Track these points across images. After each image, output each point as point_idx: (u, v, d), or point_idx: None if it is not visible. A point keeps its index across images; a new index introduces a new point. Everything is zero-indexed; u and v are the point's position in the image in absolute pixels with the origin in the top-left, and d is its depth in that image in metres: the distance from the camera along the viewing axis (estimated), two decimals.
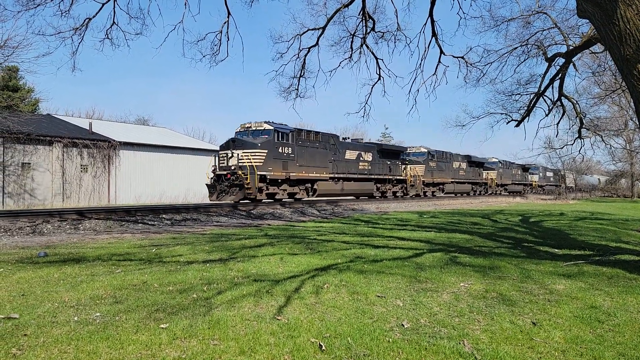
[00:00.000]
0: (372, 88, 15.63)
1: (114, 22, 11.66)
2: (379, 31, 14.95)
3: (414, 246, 10.26)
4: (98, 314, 4.79)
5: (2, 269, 7.27)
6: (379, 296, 5.71)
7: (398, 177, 35.08)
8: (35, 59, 62.69)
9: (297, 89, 15.65)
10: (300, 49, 14.89)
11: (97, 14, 11.32)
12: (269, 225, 16.16)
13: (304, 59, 15.09)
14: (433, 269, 7.52)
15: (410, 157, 38.56)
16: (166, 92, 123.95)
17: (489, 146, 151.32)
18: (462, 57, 15.08)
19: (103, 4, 11.27)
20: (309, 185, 26.51)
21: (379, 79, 15.61)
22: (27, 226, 13.16)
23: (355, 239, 11.68)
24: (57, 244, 10.63)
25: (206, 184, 23.80)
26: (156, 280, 6.46)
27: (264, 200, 24.50)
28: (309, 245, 10.34)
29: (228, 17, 12.57)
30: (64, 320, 4.57)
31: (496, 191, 52.03)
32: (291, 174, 24.51)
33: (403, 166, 35.88)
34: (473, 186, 47.92)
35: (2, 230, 12.52)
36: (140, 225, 15.45)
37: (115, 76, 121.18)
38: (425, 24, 13.86)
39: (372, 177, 32.04)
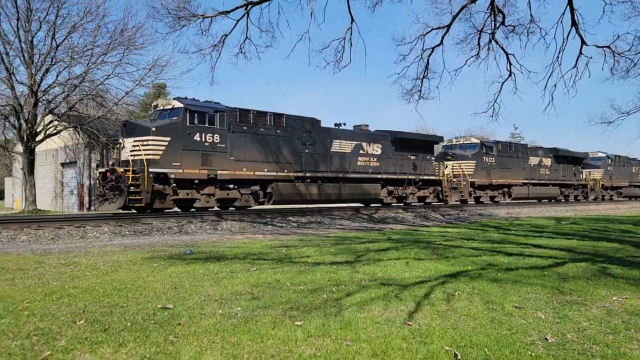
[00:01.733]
0: (501, 86, 14.75)
1: (246, 37, 12.53)
2: (510, 25, 14.09)
3: (554, 255, 9.45)
4: (239, 309, 5.14)
5: (156, 264, 8.16)
6: (517, 307, 5.35)
7: (426, 177, 25.68)
8: (180, 75, 69.57)
9: (420, 91, 15.34)
10: (424, 49, 14.58)
11: (232, 30, 12.27)
12: (392, 229, 16.06)
13: (428, 60, 14.76)
14: (578, 280, 6.85)
15: (455, 150, 29.48)
16: (290, 98, 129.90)
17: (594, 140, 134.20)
18: (608, 47, 13.59)
19: (237, 21, 12.18)
20: (256, 187, 18.76)
21: (510, 75, 14.69)
22: (175, 226, 14.64)
23: (484, 245, 11.11)
24: (199, 243, 11.67)
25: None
26: (288, 280, 6.76)
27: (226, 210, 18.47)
28: (435, 250, 10.07)
29: (351, 23, 12.79)
30: (210, 312, 4.99)
31: (603, 195, 40.93)
32: (218, 171, 17.19)
33: (437, 163, 27.02)
34: (563, 189, 36.90)
35: (155, 229, 14.08)
36: (270, 227, 16.34)
37: (245, 87, 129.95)
38: (563, 13, 12.76)
39: (380, 177, 23.36)
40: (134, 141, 16.02)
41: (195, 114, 16.86)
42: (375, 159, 23.39)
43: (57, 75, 25.00)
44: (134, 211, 16.82)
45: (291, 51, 20.73)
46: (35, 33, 24.09)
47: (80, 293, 5.96)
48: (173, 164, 16.18)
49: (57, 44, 24.31)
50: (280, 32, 32.85)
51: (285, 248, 10.46)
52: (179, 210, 18.22)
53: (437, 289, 6.23)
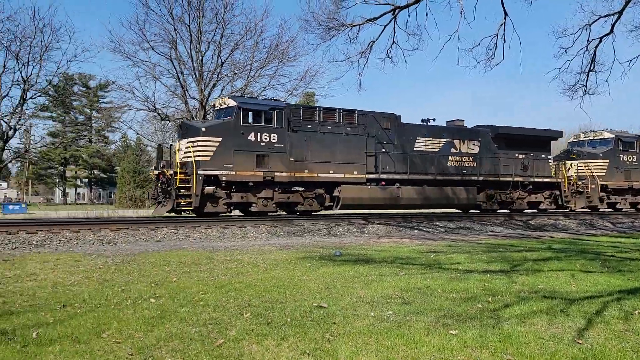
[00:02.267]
0: None
1: (393, 42, 12.59)
2: None
3: None
4: (390, 312, 5.16)
5: (309, 264, 8.59)
6: None
7: (539, 179, 21.77)
8: (328, 84, 72.68)
9: (585, 85, 13.84)
10: (590, 40, 13.15)
11: (379, 36, 12.44)
12: (551, 237, 14.70)
13: (594, 51, 13.27)
14: None
15: (582, 148, 24.80)
16: (438, 98, 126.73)
17: None
18: None
19: (384, 26, 12.32)
20: (321, 190, 17.33)
21: None
22: (324, 228, 15.26)
23: None
24: (348, 245, 11.99)
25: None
26: (439, 286, 6.59)
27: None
28: (606, 262, 8.97)
29: (505, 18, 12.07)
30: (363, 314, 5.09)
31: None
32: (276, 173, 16.24)
33: (555, 162, 23.33)
34: None
35: (306, 231, 14.85)
36: (416, 231, 16.12)
37: (391, 90, 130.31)
38: None
39: (475, 179, 20.21)
40: (187, 142, 15.80)
41: (250, 113, 16.13)
42: (470, 159, 20.43)
43: (222, 90, 27.86)
44: (191, 215, 16.36)
45: (439, 52, 20.39)
46: (205, 53, 27.22)
47: (244, 288, 6.53)
48: (225, 165, 15.48)
49: (222, 61, 27.19)
50: (428, 34, 31.94)
51: (434, 253, 10.22)
52: (242, 214, 17.56)
53: (611, 305, 5.53)
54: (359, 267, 8.26)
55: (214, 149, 15.41)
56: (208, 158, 15.32)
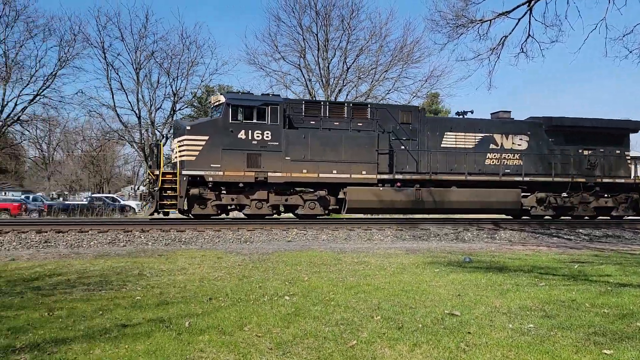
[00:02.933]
0: None
1: (529, 35, 11.77)
2: None
3: None
4: (531, 325, 4.81)
5: (437, 270, 8.36)
6: None
7: (611, 180, 18.21)
8: (454, 83, 70.40)
9: None
10: None
11: (512, 30, 11.71)
12: None
13: None
14: None
15: None
16: (567, 97, 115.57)
17: None
18: None
19: (519, 20, 11.58)
20: (323, 192, 15.94)
21: None
22: (451, 233, 14.76)
23: None
24: (478, 252, 11.44)
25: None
26: (586, 300, 5.98)
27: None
28: None
29: None
30: (499, 325, 4.82)
31: None
32: (269, 173, 15.17)
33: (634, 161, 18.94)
34: None
35: (433, 235, 14.50)
36: (555, 239, 14.84)
37: (528, 87, 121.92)
38: None
39: (520, 179, 17.30)
40: (176, 142, 15.49)
41: (240, 109, 15.16)
42: (516, 156, 17.67)
43: (347, 95, 28.42)
44: (187, 216, 15.74)
45: (583, 43, 18.50)
46: (331, 59, 28.04)
47: (373, 290, 6.57)
48: (211, 165, 14.80)
49: (348, 66, 27.77)
50: (570, 24, 29.11)
51: (578, 264, 9.31)
52: (244, 216, 16.44)
53: None
54: (492, 275, 7.84)
55: (200, 148, 14.82)
56: (193, 158, 14.77)
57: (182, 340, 4.35)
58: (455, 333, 4.51)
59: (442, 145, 17.18)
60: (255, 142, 15.15)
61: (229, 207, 15.86)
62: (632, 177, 18.57)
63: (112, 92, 31.33)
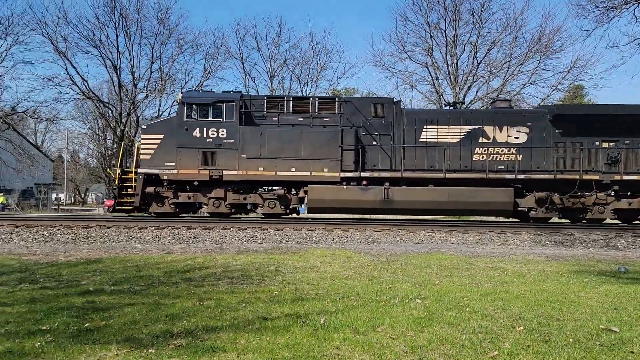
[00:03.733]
0: None
1: None
2: None
3: None
4: None
5: (587, 279, 7.57)
6: None
7: (636, 178, 15.20)
8: (601, 73, 63.35)
9: None
10: None
11: None
12: None
13: None
14: None
15: None
16: None
17: None
18: None
19: None
20: (281, 191, 15.35)
21: None
22: (601, 239, 13.27)
23: None
24: (635, 261, 10.14)
25: None
26: None
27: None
28: None
29: None
30: None
31: None
32: (224, 171, 14.96)
33: None
34: None
35: (578, 241, 13.18)
36: None
37: None
38: None
39: (512, 177, 15.18)
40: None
41: (194, 107, 15.09)
42: (512, 150, 15.46)
43: (477, 91, 27.12)
44: (149, 214, 15.82)
45: None
46: (460, 56, 26.98)
47: (512, 299, 6.15)
48: (166, 163, 14.95)
49: (478, 62, 26.46)
50: None
51: None
52: (218, 215, 15.98)
53: None
54: None
55: (155, 147, 15.07)
56: (149, 156, 15.05)
57: (319, 337, 4.49)
58: (614, 351, 4.03)
59: (420, 140, 15.76)
60: (210, 140, 15.14)
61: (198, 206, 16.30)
62: None
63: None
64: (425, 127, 15.76)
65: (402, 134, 15.72)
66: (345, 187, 15.25)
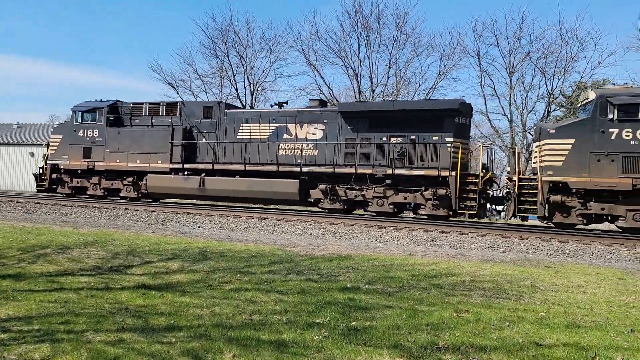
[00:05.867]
0: None
1: None
2: None
3: None
4: None
5: None
6: None
7: (407, 172, 15.13)
8: None
9: None
10: None
11: None
12: None
13: None
14: None
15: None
16: None
17: None
18: None
19: None
20: (130, 179, 19.27)
21: None
22: None
23: None
24: None
25: None
26: None
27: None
28: None
29: None
30: None
31: None
32: (96, 163, 19.47)
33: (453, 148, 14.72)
34: None
35: None
36: None
37: None
38: None
39: (298, 170, 16.48)
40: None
41: (81, 113, 19.91)
42: (310, 146, 16.72)
43: None
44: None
45: None
46: None
47: None
48: (63, 156, 20.08)
49: None
50: None
51: None
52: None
53: None
54: None
55: (57, 144, 20.30)
56: (53, 151, 20.33)
57: None
58: None
59: (238, 137, 17.85)
60: (89, 139, 19.69)
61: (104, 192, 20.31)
62: (440, 169, 14.81)
63: (484, 98, 32.06)
64: (242, 125, 17.88)
65: (224, 132, 18.09)
66: (172, 176, 18.23)
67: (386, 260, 9.37)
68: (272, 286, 6.64)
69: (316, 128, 16.78)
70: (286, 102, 18.88)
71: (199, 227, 14.49)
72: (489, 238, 12.60)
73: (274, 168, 16.92)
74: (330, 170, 16.20)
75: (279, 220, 14.78)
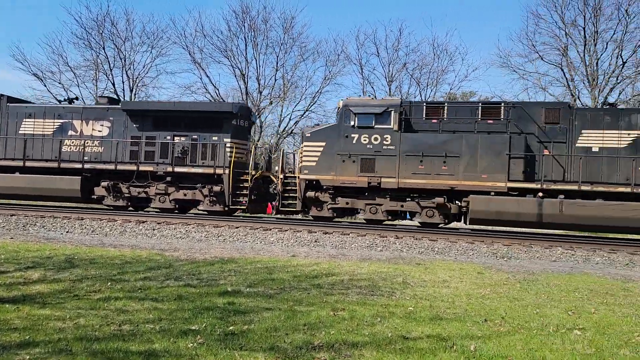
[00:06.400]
0: None
1: None
2: None
3: None
4: None
5: None
6: None
7: (185, 170, 16.14)
8: None
9: None
10: None
11: None
12: None
13: None
14: None
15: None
16: None
17: None
18: None
19: None
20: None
21: None
22: None
23: None
24: None
25: None
26: None
27: None
28: None
29: None
30: None
31: None
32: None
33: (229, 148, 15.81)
34: None
35: None
36: None
37: None
38: None
39: (79, 167, 16.64)
40: None
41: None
42: (96, 142, 16.96)
43: (619, 93, 24.30)
44: None
45: None
46: (600, 55, 24.39)
47: None
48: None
49: (624, 60, 23.69)
50: None
51: None
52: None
53: None
54: None
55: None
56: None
57: None
58: None
59: (20, 132, 17.32)
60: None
61: None
62: (216, 167, 15.90)
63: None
64: (24, 120, 17.42)
65: (6, 126, 17.51)
66: None
67: (269, 262, 9.39)
68: (146, 294, 6.31)
69: (102, 125, 17.05)
70: (76, 98, 18.93)
71: (67, 232, 13.31)
72: (368, 238, 13.23)
73: (55, 165, 16.82)
74: (112, 167, 16.52)
75: (159, 223, 14.12)
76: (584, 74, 24.48)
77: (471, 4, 59.81)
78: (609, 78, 23.80)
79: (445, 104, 15.35)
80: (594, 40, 23.81)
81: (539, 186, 13.83)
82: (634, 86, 23.88)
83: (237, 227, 13.78)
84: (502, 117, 14.45)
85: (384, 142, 14.63)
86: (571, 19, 24.57)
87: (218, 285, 7.01)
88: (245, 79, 31.32)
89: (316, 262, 9.60)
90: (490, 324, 5.55)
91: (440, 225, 15.31)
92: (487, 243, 13.05)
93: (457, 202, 14.70)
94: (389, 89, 30.84)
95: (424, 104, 15.38)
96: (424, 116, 14.86)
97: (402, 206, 14.98)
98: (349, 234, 13.53)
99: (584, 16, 24.00)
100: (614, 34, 23.72)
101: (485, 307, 6.46)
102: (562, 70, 25.16)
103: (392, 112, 14.62)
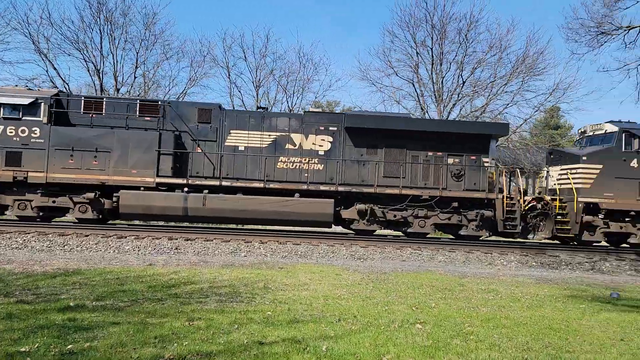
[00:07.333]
0: None
1: None
2: None
3: None
4: None
5: (584, 306, 7.48)
6: None
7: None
8: (584, 97, 64.33)
9: None
10: None
11: None
12: None
13: None
14: None
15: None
16: None
17: None
18: None
19: None
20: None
21: None
22: (586, 262, 13.34)
23: None
24: (624, 286, 10.14)
25: None
26: None
27: None
28: None
29: None
30: None
31: None
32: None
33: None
34: None
35: (564, 263, 13.21)
36: None
37: None
38: None
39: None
40: None
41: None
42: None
43: (460, 109, 27.33)
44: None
45: None
46: (445, 74, 27.16)
47: (513, 326, 5.99)
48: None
49: (463, 80, 26.65)
50: None
51: None
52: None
53: None
54: None
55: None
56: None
57: None
58: None
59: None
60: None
61: None
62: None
63: (233, 108, 33.11)
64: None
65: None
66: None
67: (122, 272, 8.74)
68: None
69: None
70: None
71: None
72: (232, 244, 13.04)
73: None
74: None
75: None
76: (432, 90, 27.15)
77: (333, 15, 62.87)
78: (451, 95, 26.73)
79: (104, 99, 15.47)
80: (440, 60, 26.55)
81: (185, 181, 14.41)
82: (472, 104, 27.08)
83: (86, 236, 12.63)
84: (158, 114, 14.83)
85: (32, 134, 14.04)
86: (421, 39, 27.10)
87: (58, 300, 6.32)
88: (101, 75, 28.91)
89: (175, 271, 9.18)
90: (344, 324, 5.79)
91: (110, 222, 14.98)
92: (346, 245, 13.68)
93: (113, 197, 14.38)
94: (257, 94, 30.89)
95: (82, 98, 15.13)
96: (82, 110, 14.64)
97: (54, 202, 14.27)
98: (212, 240, 13.21)
99: (432, 38, 26.67)
100: (455, 55, 26.70)
101: (340, 307, 6.73)
102: (414, 85, 27.61)
103: (42, 105, 14.12)
